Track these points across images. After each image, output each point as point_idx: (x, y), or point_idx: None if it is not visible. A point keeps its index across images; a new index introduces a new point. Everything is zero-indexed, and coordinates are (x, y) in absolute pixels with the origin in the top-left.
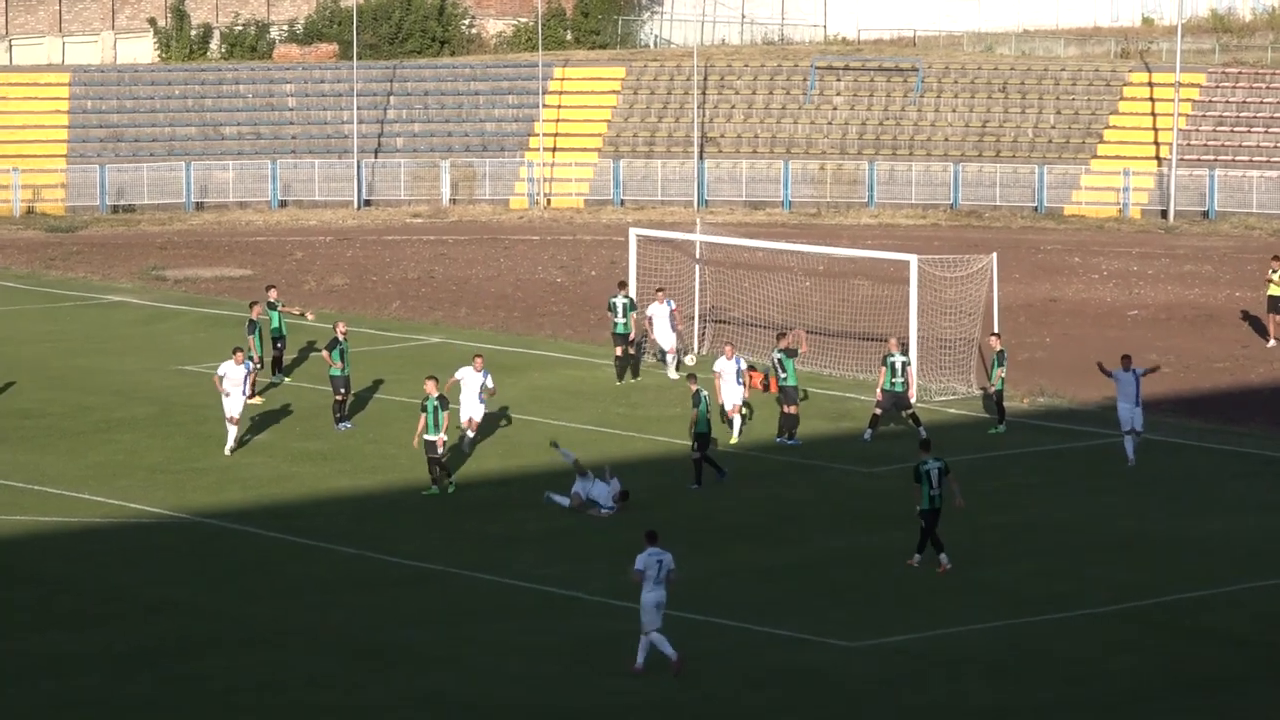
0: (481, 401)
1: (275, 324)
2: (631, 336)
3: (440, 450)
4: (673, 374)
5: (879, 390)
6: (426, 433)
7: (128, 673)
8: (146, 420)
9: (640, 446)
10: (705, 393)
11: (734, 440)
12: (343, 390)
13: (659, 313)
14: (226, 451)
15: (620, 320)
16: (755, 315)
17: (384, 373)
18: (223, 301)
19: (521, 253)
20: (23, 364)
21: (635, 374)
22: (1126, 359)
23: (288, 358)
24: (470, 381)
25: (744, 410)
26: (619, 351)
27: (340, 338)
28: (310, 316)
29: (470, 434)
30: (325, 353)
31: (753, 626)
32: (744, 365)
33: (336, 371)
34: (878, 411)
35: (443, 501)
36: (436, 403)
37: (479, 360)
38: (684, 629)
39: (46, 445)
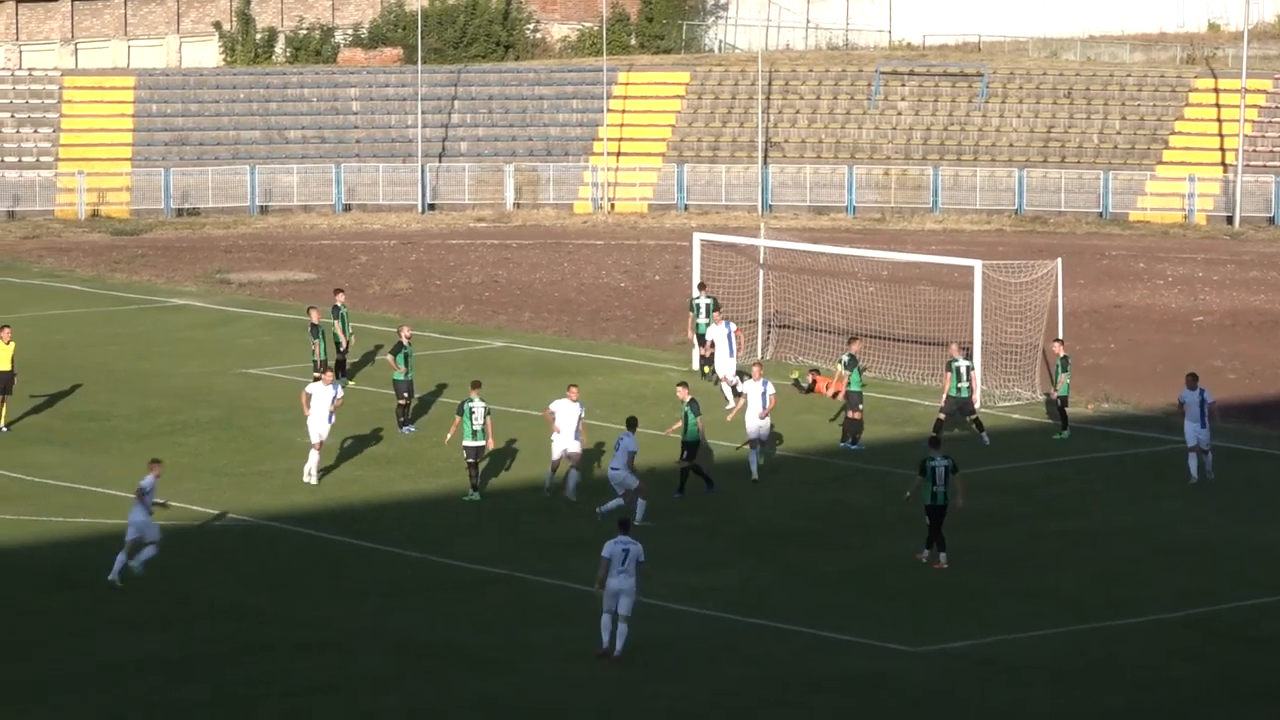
0: (576, 437)
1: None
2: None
3: (479, 456)
4: (731, 398)
5: (944, 395)
6: (464, 438)
7: (186, 676)
8: (211, 423)
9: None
10: (697, 402)
11: (755, 478)
12: (406, 394)
13: (718, 335)
14: (305, 477)
15: (703, 321)
16: (819, 320)
17: (447, 377)
18: (287, 305)
19: (585, 257)
20: (87, 367)
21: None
22: (1192, 378)
23: (350, 361)
24: (566, 414)
25: (760, 441)
26: (704, 352)
27: (404, 342)
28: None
29: (574, 472)
30: (389, 357)
31: (814, 631)
32: (770, 389)
33: (400, 376)
34: (941, 416)
35: (501, 505)
36: (473, 406)
37: (574, 390)
38: (743, 633)
39: (110, 447)
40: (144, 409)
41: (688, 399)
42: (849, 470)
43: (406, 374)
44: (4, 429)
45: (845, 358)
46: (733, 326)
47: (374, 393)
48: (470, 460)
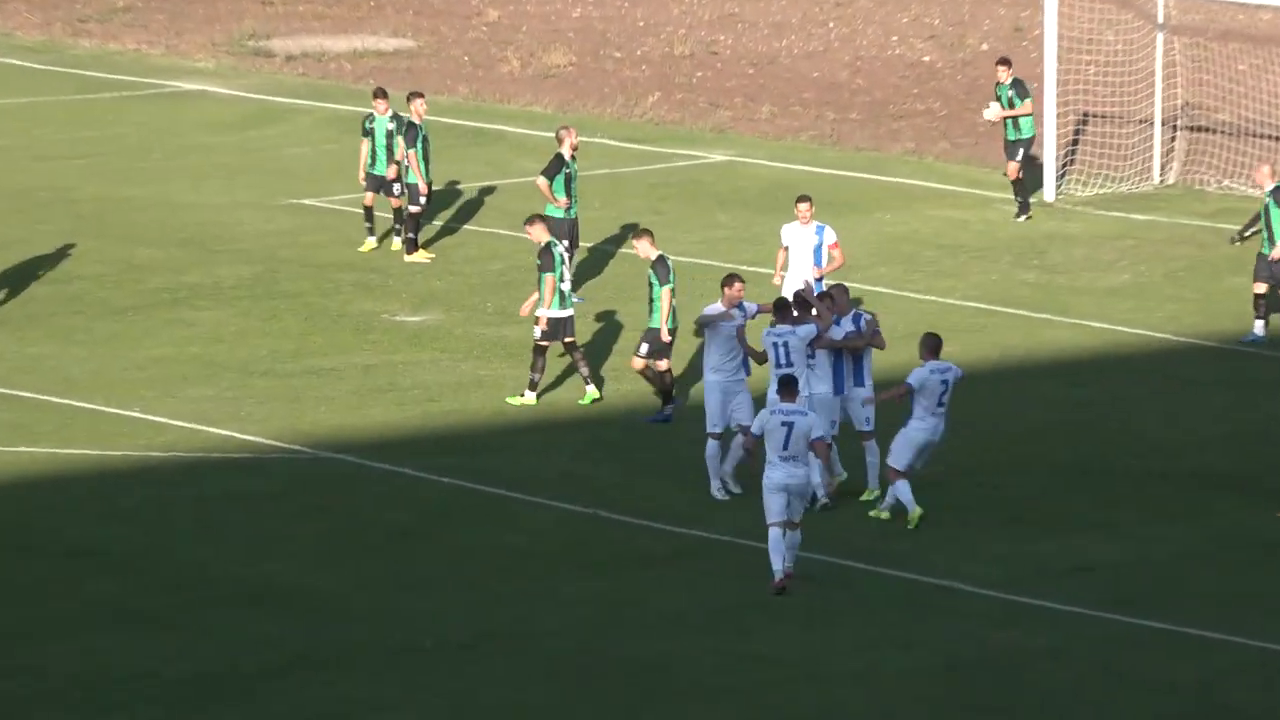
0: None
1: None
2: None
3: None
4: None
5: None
6: (552, 306)
7: (204, 700)
8: (237, 290)
9: (1060, 337)
10: (665, 261)
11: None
12: (568, 244)
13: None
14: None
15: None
16: (1260, 119)
17: (634, 211)
18: (365, 92)
19: (863, 12)
20: (36, 195)
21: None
22: None
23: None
24: (800, 243)
25: None
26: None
27: (568, 156)
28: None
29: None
30: (542, 182)
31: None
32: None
33: (559, 212)
34: None
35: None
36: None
37: (806, 207)
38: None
39: (73, 330)
40: (128, 265)
41: (653, 256)
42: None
43: (569, 209)
44: None
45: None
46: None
47: (499, 236)
48: (544, 343)
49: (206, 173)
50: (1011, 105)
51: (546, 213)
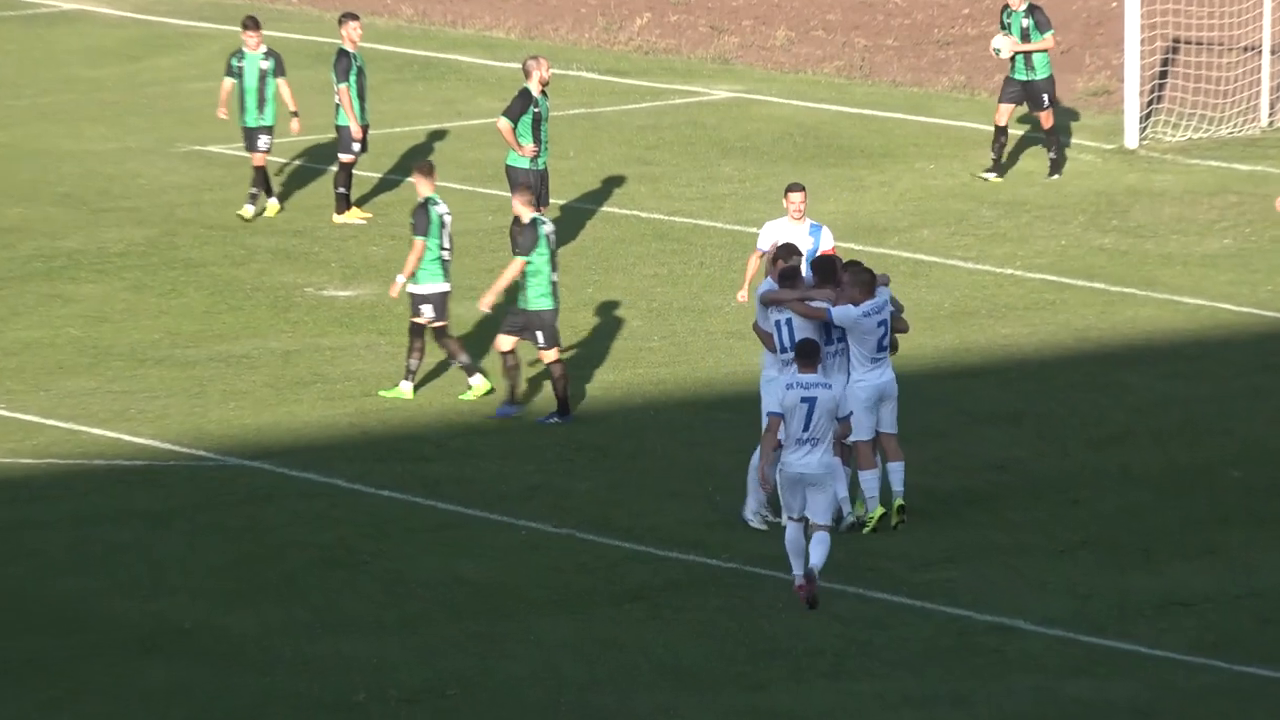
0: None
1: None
2: None
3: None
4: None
5: None
6: (428, 279)
7: None
8: (127, 258)
9: (1145, 316)
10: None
11: None
12: (536, 201)
13: None
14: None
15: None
16: None
17: (618, 160)
18: (285, 12)
19: None
20: None
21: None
22: None
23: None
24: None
25: None
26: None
27: (536, 93)
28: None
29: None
30: (504, 124)
31: None
32: None
33: (525, 161)
34: None
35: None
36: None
37: (798, 199)
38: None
39: None
40: None
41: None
42: None
43: (537, 157)
44: None
45: None
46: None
47: (467, 194)
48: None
49: (89, 113)
50: (1026, 38)
51: (509, 162)
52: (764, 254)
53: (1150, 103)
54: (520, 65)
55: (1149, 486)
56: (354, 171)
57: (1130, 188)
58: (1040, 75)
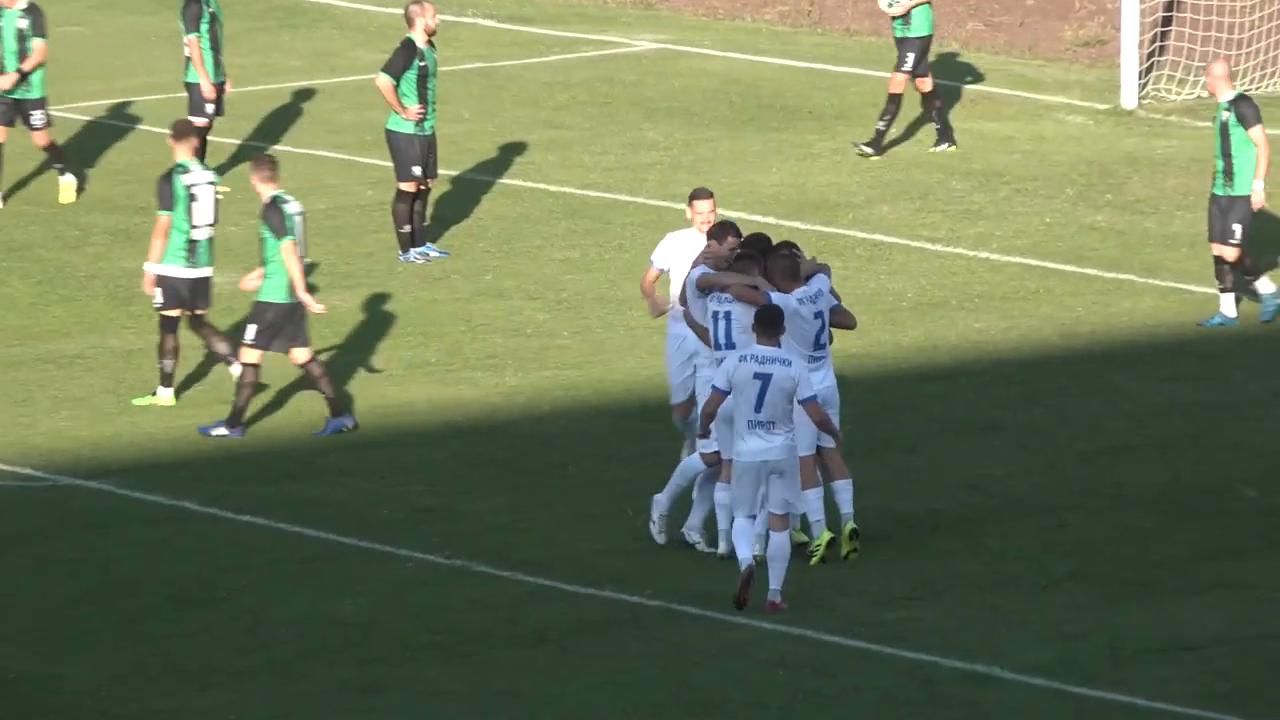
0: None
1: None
2: None
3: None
4: None
5: None
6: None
7: None
8: None
9: (1146, 308)
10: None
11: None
12: (420, 171)
13: None
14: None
15: None
16: None
17: (522, 123)
18: None
19: None
20: None
21: None
22: None
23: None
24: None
25: None
26: None
27: (422, 44)
28: None
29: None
30: (384, 82)
31: None
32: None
33: (409, 125)
34: None
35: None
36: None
37: (701, 207)
38: None
39: None
40: None
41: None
42: None
43: (423, 120)
44: None
45: None
46: None
47: (322, 159)
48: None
49: None
50: None
51: (390, 126)
52: (661, 273)
53: (1151, 55)
54: (403, 11)
55: (1149, 508)
56: (208, 138)
57: (1128, 155)
58: (917, 33)
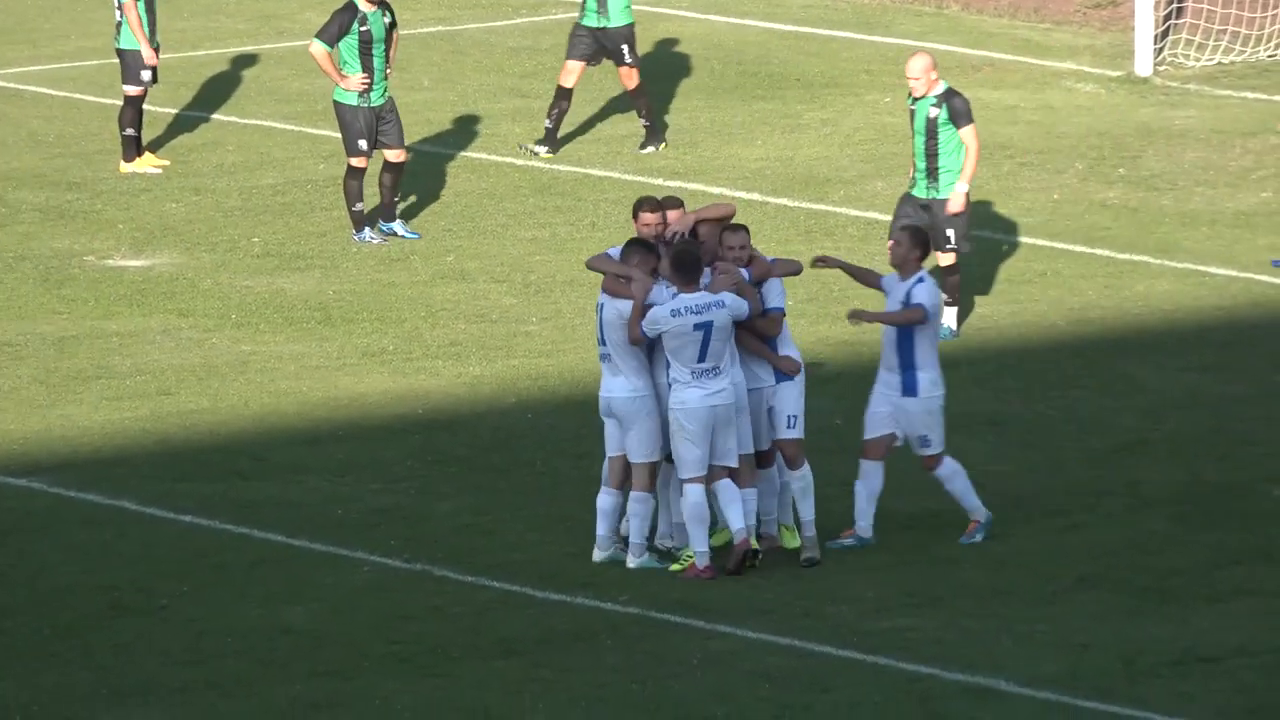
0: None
1: None
2: None
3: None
4: None
5: None
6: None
7: None
8: None
9: (1163, 291)
10: None
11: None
12: (364, 143)
13: None
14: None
15: None
16: None
17: (485, 92)
18: None
19: None
20: None
21: None
22: None
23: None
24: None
25: None
26: None
27: (365, 6)
28: None
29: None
30: (317, 49)
31: None
32: None
33: (352, 97)
34: None
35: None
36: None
37: (650, 215)
38: None
39: None
40: None
41: None
42: None
43: (369, 90)
44: None
45: None
46: None
47: (270, 131)
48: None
49: None
50: None
51: (335, 97)
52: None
53: (1168, 17)
54: None
55: (1166, 510)
56: (145, 107)
57: (1143, 126)
58: (616, 22)
